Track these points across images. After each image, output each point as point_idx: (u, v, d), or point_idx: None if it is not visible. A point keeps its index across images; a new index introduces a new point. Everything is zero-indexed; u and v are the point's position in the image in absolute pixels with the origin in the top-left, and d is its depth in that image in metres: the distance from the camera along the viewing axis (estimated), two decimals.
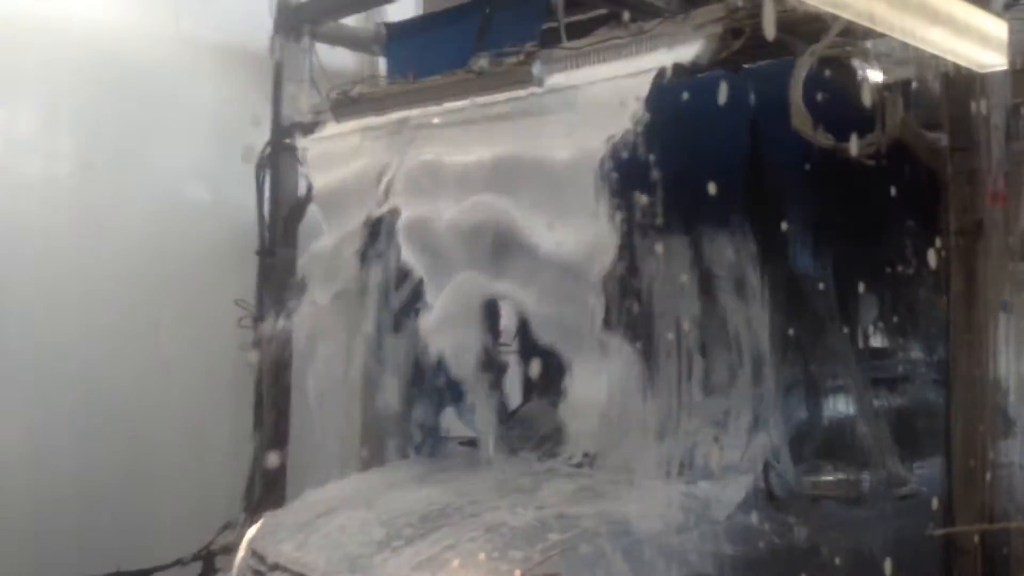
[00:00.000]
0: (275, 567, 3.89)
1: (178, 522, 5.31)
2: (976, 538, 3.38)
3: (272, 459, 5.73)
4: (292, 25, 5.95)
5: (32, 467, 5.37)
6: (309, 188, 5.88)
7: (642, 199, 3.86)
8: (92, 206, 5.73)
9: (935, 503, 3.66)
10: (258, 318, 6.04)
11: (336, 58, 6.19)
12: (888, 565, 3.64)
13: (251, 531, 4.35)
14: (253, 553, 4.10)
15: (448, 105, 4.61)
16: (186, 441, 5.78)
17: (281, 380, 6.05)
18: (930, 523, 3.89)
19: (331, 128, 5.51)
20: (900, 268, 4.64)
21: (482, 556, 3.45)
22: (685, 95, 3.83)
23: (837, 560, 3.90)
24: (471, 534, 3.59)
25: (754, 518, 3.90)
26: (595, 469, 4.31)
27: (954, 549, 3.50)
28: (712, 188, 3.76)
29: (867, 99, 3.46)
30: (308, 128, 5.69)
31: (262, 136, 5.89)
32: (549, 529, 3.59)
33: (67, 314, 5.57)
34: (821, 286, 4.35)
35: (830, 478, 4.14)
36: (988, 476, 3.37)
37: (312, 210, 5.92)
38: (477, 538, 3.56)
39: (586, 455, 4.40)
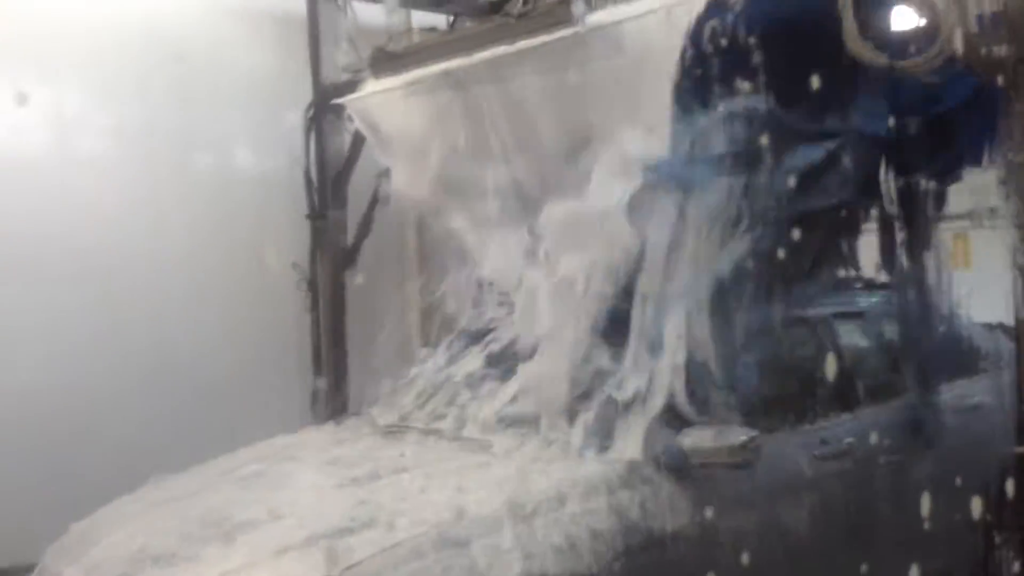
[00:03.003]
0: None
1: None
2: None
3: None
4: None
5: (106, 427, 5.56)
6: (355, 147, 5.88)
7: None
8: (147, 179, 5.85)
9: None
10: (312, 280, 6.11)
11: (372, 14, 6.14)
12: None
13: (52, 545, 3.81)
14: (45, 569, 3.69)
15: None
16: (252, 404, 5.89)
17: (339, 341, 6.12)
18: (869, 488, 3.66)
19: (371, 85, 5.49)
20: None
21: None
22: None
23: (740, 541, 3.32)
24: (277, 541, 3.07)
25: (624, 497, 3.23)
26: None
27: None
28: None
29: (923, 12, 3.34)
30: (349, 87, 5.68)
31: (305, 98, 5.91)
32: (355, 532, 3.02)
33: (136, 284, 5.78)
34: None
35: (722, 442, 3.32)
36: None
37: (359, 169, 5.94)
38: (289, 548, 3.00)
39: None
